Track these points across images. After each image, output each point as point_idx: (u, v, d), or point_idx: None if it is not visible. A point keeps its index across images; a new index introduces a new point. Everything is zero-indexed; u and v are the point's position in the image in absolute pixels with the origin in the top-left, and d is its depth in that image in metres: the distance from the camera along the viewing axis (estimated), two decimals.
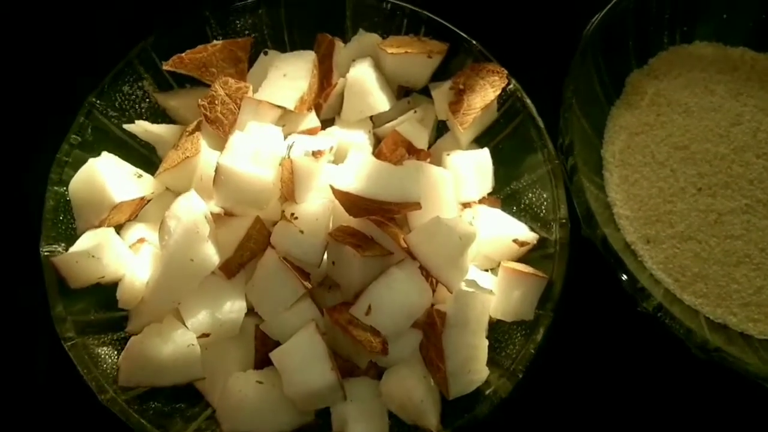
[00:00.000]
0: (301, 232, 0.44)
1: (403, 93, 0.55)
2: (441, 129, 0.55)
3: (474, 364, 0.43)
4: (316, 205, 0.45)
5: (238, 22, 0.53)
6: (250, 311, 0.46)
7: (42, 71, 0.59)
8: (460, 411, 0.43)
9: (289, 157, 0.45)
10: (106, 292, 0.46)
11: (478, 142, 0.53)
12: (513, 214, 0.51)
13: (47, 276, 0.44)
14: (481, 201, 0.51)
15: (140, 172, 0.48)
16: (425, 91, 0.54)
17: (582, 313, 0.50)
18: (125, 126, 0.50)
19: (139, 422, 0.41)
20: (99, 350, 0.44)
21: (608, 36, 0.55)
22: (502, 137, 0.52)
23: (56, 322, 0.43)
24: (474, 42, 0.52)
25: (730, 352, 0.44)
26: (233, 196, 0.44)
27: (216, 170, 0.44)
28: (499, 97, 0.51)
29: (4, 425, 0.50)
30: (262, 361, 0.46)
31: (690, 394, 0.51)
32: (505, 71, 0.50)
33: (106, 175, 0.46)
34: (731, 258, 0.51)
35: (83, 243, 0.44)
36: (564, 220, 0.47)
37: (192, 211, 0.43)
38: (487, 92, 0.50)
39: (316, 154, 0.44)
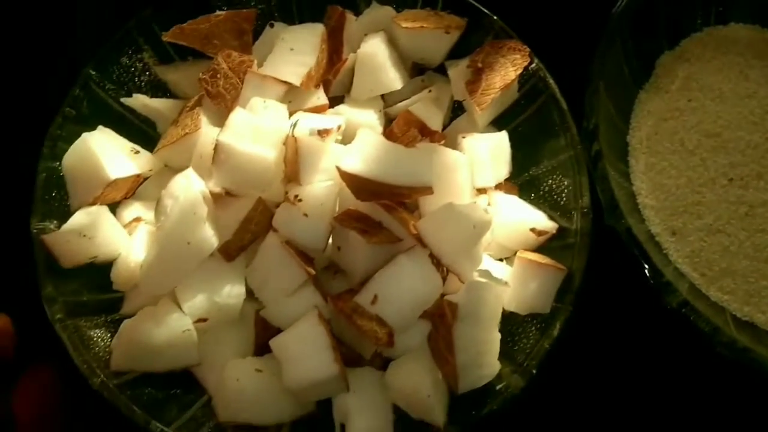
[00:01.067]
0: (305, 215, 0.42)
1: (417, 71, 0.52)
2: (457, 110, 0.52)
3: (485, 358, 0.41)
4: (322, 187, 0.42)
5: None
6: (250, 296, 0.43)
7: (38, 42, 0.56)
8: (468, 407, 0.40)
9: (293, 136, 0.42)
10: (100, 272, 0.44)
11: (496, 124, 0.50)
12: (531, 202, 0.48)
13: (37, 254, 0.43)
14: (497, 187, 0.48)
15: (137, 148, 0.46)
16: (441, 70, 0.51)
17: (601, 307, 0.47)
18: (123, 100, 0.48)
19: (130, 408, 0.40)
20: (91, 333, 0.43)
21: (638, 16, 0.51)
22: (521, 120, 0.50)
23: (46, 302, 0.42)
24: (495, 17, 0.49)
25: (759, 351, 0.41)
26: (233, 175, 0.41)
27: (215, 148, 0.41)
28: (521, 76, 0.48)
29: None
30: (262, 348, 0.43)
31: (713, 394, 0.48)
32: (528, 49, 0.47)
33: (101, 151, 0.43)
34: (762, 253, 0.48)
35: (76, 221, 0.42)
36: (586, 209, 0.45)
37: (190, 190, 0.41)
38: (507, 71, 0.47)
39: (322, 133, 0.42)
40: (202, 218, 0.40)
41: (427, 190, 0.41)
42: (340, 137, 0.45)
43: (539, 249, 0.46)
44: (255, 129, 0.41)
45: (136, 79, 0.49)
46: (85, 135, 0.44)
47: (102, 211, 0.42)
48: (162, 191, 0.42)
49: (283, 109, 0.43)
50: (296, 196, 0.42)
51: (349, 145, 0.42)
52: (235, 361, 0.42)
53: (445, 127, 0.50)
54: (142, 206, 0.46)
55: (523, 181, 0.49)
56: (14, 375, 0.44)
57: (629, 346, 0.49)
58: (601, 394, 0.48)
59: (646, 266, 0.44)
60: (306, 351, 0.40)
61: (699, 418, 0.48)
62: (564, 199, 0.47)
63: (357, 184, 0.42)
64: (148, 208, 0.46)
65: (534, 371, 0.41)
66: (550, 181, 0.48)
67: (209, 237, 0.40)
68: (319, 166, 0.42)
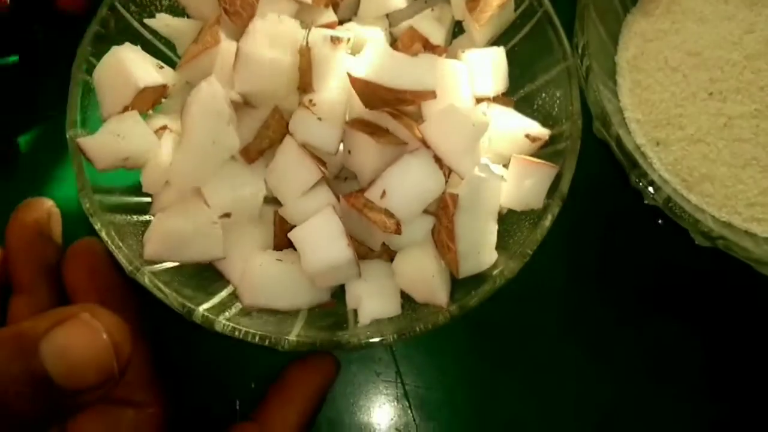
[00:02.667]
0: (319, 119, 0.45)
1: None
2: (457, 34, 0.55)
3: (484, 245, 0.45)
4: (334, 92, 0.46)
5: None
6: (270, 198, 0.47)
7: None
8: (468, 289, 0.45)
9: (307, 45, 0.46)
10: (130, 178, 0.48)
11: (495, 44, 0.53)
12: (526, 115, 0.52)
13: (74, 158, 0.46)
14: (494, 100, 0.51)
15: (161, 63, 0.50)
16: None
17: (589, 207, 0.51)
18: (146, 21, 0.51)
19: (164, 291, 0.44)
20: (125, 229, 0.46)
21: None
22: (518, 39, 0.53)
23: (83, 199, 0.45)
24: None
25: (733, 239, 0.45)
26: (253, 79, 0.45)
27: (236, 54, 0.45)
28: None
29: None
30: (281, 246, 0.48)
31: (689, 283, 0.53)
32: None
33: (130, 62, 0.47)
34: (738, 160, 0.52)
35: (109, 125, 0.46)
36: (576, 116, 0.48)
37: (213, 95, 0.44)
38: None
39: (335, 40, 0.45)
40: (225, 119, 0.44)
41: (430, 94, 0.45)
42: (349, 50, 0.48)
43: (533, 156, 0.50)
44: (272, 37, 0.45)
45: (157, 2, 0.53)
46: (116, 48, 0.47)
47: (133, 116, 0.46)
48: (187, 98, 0.45)
49: (296, 23, 0.47)
50: (311, 101, 0.46)
51: (359, 55, 0.46)
52: (258, 252, 0.46)
53: (446, 46, 0.54)
54: (167, 118, 0.50)
55: (519, 97, 0.53)
56: None
57: (613, 239, 0.53)
58: (584, 283, 0.53)
59: (634, 169, 0.48)
60: (322, 239, 0.44)
61: (670, 304, 0.53)
62: (556, 109, 0.50)
63: (366, 90, 0.45)
64: (174, 120, 0.49)
65: (527, 258, 0.45)
66: (543, 94, 0.51)
67: (232, 137, 0.44)
68: (332, 73, 0.46)
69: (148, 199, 0.49)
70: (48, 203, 0.47)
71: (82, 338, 0.32)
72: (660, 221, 0.49)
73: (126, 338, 0.33)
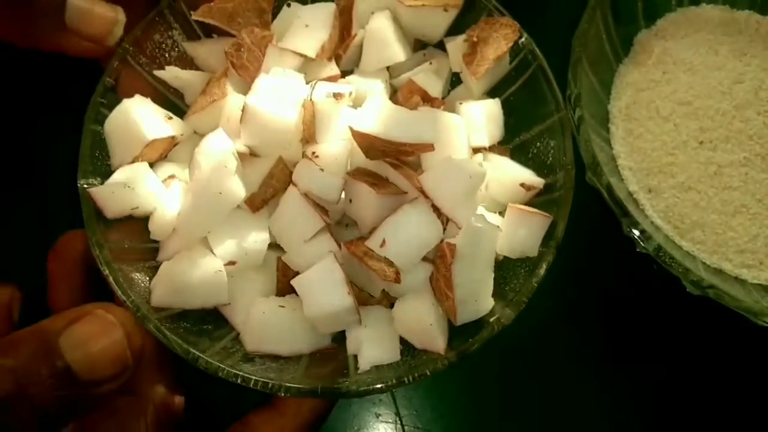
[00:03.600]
0: (321, 170, 0.47)
1: (419, 46, 0.57)
2: (455, 84, 0.57)
3: (481, 293, 0.46)
4: (336, 144, 0.48)
5: None
6: (273, 245, 0.49)
7: None
8: (465, 336, 0.46)
9: (311, 100, 0.48)
10: (138, 225, 0.50)
11: (490, 94, 0.56)
12: (521, 163, 0.53)
13: (85, 207, 0.48)
14: (491, 149, 0.53)
15: (170, 114, 0.52)
16: (440, 47, 0.57)
17: (582, 254, 0.53)
18: (156, 72, 0.53)
19: (169, 338, 0.45)
20: (133, 275, 0.48)
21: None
22: (513, 90, 0.55)
23: (94, 248, 0.47)
24: None
25: (723, 288, 0.46)
26: (259, 134, 0.47)
27: (243, 109, 0.47)
28: (512, 51, 0.53)
29: None
30: (284, 291, 0.49)
31: (682, 327, 0.54)
32: (518, 25, 0.53)
33: (139, 114, 0.49)
34: (729, 207, 0.53)
35: (119, 175, 0.48)
36: (569, 166, 0.50)
37: (220, 147, 0.46)
38: (499, 45, 0.52)
39: (336, 96, 0.47)
40: (232, 170, 0.45)
41: (429, 147, 0.47)
42: (351, 103, 0.50)
43: (528, 204, 0.52)
44: (277, 93, 0.47)
45: (167, 54, 0.55)
46: (126, 100, 0.49)
47: (142, 167, 0.48)
48: (195, 149, 0.47)
49: (300, 77, 0.49)
50: (313, 153, 0.47)
51: (360, 108, 0.48)
52: (261, 298, 0.47)
53: (444, 98, 0.56)
54: (175, 167, 0.51)
55: (514, 145, 0.55)
56: None
57: (606, 287, 0.55)
58: (580, 327, 0.54)
59: (625, 217, 0.49)
60: (324, 286, 0.45)
61: (665, 347, 0.54)
62: (550, 159, 0.52)
63: (367, 142, 0.47)
64: (181, 168, 0.51)
65: (523, 305, 0.46)
66: (538, 143, 0.53)
67: (238, 187, 0.46)
68: (334, 126, 0.48)
69: (156, 245, 0.51)
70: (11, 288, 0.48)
71: (99, 331, 0.35)
72: (655, 266, 0.51)
73: (136, 330, 0.37)
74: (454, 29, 0.56)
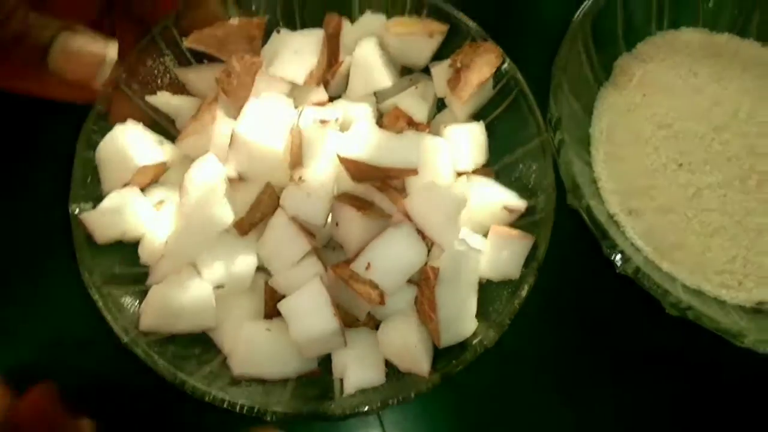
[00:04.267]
0: (308, 194, 0.48)
1: (405, 72, 0.59)
2: (440, 108, 0.59)
3: (464, 315, 0.47)
4: (322, 169, 0.49)
5: (253, 3, 0.57)
6: (260, 269, 0.50)
7: None
8: (449, 358, 0.47)
9: (298, 126, 0.49)
10: (128, 249, 0.50)
11: (474, 118, 0.57)
12: (505, 185, 0.55)
13: (75, 232, 0.49)
14: (475, 172, 0.54)
15: (162, 139, 0.53)
16: (425, 72, 0.58)
17: (564, 275, 0.54)
18: (147, 98, 0.54)
19: (157, 362, 0.45)
20: (122, 300, 0.49)
21: (597, 23, 0.58)
22: (496, 114, 0.56)
23: (84, 272, 0.47)
24: (472, 23, 0.56)
25: (702, 310, 0.47)
26: (247, 161, 0.48)
27: (231, 137, 0.48)
28: (495, 76, 0.54)
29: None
30: (271, 314, 0.50)
31: (664, 347, 0.55)
32: (501, 50, 0.54)
33: (130, 141, 0.50)
34: (707, 229, 0.54)
35: (109, 201, 0.49)
36: (550, 189, 0.51)
37: (209, 172, 0.47)
38: (483, 70, 0.54)
39: (323, 122, 0.48)
40: (221, 195, 0.46)
41: (413, 171, 0.48)
42: (338, 127, 0.51)
43: (510, 226, 0.53)
44: (266, 120, 0.48)
45: (159, 80, 0.56)
46: (118, 127, 0.50)
47: (132, 192, 0.49)
48: (185, 174, 0.48)
49: (289, 102, 0.50)
50: (300, 178, 0.48)
51: (346, 133, 0.49)
52: (248, 322, 0.48)
53: (429, 122, 0.57)
54: (166, 191, 0.52)
55: (498, 167, 0.56)
56: None
57: (587, 307, 0.56)
58: (562, 349, 0.55)
59: (605, 239, 0.50)
60: (310, 309, 0.46)
61: (647, 368, 0.55)
62: (532, 182, 0.53)
63: (353, 167, 0.48)
64: (173, 192, 0.52)
65: (506, 327, 0.47)
66: (521, 166, 0.54)
67: (226, 211, 0.47)
68: (320, 152, 0.49)
69: (146, 270, 0.51)
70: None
71: None
72: (635, 287, 0.52)
73: None
74: (439, 54, 0.57)
